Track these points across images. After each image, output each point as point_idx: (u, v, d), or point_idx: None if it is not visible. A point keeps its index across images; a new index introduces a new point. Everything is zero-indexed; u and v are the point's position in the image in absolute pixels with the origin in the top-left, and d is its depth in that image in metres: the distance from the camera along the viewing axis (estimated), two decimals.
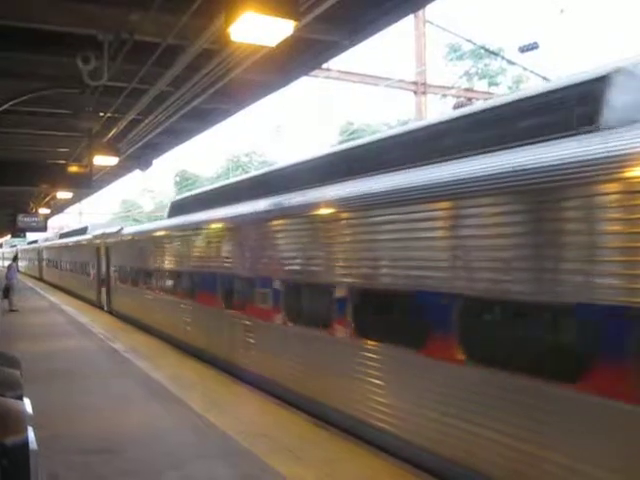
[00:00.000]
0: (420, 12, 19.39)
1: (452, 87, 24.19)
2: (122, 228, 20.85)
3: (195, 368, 11.51)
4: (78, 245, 29.35)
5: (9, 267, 25.20)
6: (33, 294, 31.94)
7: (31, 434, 3.90)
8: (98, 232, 24.25)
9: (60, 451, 6.72)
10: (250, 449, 6.77)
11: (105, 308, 22.70)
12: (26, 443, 3.60)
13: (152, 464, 6.39)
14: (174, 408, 8.63)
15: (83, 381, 10.52)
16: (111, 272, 21.41)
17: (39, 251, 48.10)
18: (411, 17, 19.53)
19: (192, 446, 6.95)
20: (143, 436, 7.36)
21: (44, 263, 45.52)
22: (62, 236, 38.83)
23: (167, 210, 17.03)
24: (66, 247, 33.54)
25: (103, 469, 6.28)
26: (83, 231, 30.47)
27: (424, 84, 20.29)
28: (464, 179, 5.67)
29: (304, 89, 57.84)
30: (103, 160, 13.16)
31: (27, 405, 4.55)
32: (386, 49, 60.88)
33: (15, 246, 69.42)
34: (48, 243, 43.98)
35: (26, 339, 15.18)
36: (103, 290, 23.01)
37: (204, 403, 8.77)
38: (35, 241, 52.88)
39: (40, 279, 46.03)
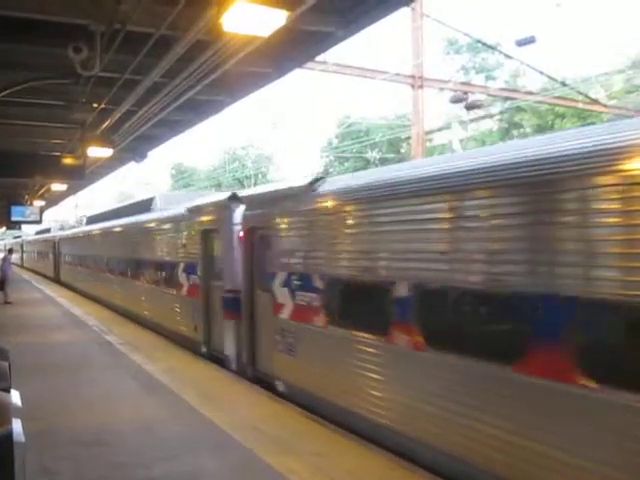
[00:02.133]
0: (417, 5, 19.34)
1: (449, 81, 24.12)
2: (322, 179, 8.48)
3: (189, 361, 11.49)
4: (140, 230, 17.14)
5: (4, 259, 25.11)
6: (29, 286, 31.84)
7: (17, 426, 3.86)
8: (212, 198, 12.70)
9: (50, 444, 6.69)
10: (241, 442, 6.76)
11: (233, 364, 10.71)
12: (10, 435, 3.56)
13: (142, 457, 6.36)
14: (167, 401, 8.60)
15: (76, 373, 10.48)
16: (272, 288, 9.09)
17: (54, 243, 35.30)
18: (408, 10, 19.46)
19: (183, 439, 6.93)
20: (134, 429, 7.33)
21: (62, 259, 33.28)
22: (92, 220, 26.96)
23: None
24: (105, 235, 21.78)
25: (93, 461, 6.26)
26: (145, 206, 17.74)
27: (421, 77, 20.24)
28: None
29: (301, 81, 57.72)
30: (97, 152, 13.13)
31: (15, 397, 4.51)
32: (384, 44, 60.80)
33: (19, 237, 59.74)
34: (69, 232, 32.34)
35: (20, 331, 15.12)
36: (230, 326, 10.73)
37: (197, 396, 8.74)
38: (47, 230, 41.34)
39: (56, 281, 34.18)
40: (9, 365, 5.38)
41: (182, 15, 7.08)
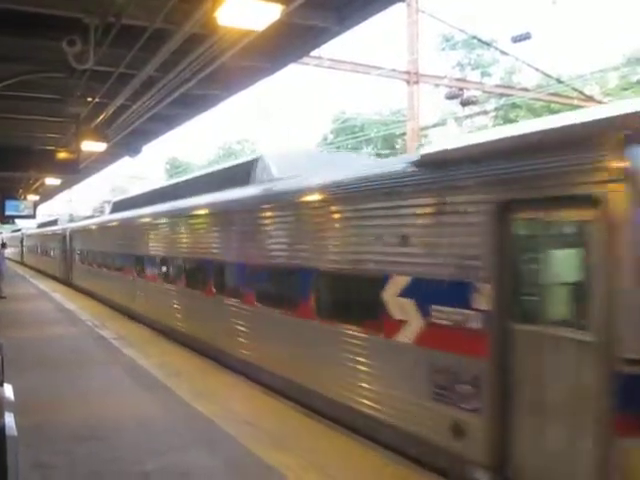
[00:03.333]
0: (412, 1, 19.33)
1: (444, 77, 24.14)
2: None
3: (183, 356, 11.48)
4: (258, 215, 9.63)
5: None
6: (23, 281, 31.73)
7: (10, 420, 3.85)
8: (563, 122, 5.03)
9: (45, 438, 6.68)
10: (235, 437, 6.76)
11: None
12: (2, 428, 3.55)
13: (137, 451, 6.36)
14: (161, 396, 8.59)
15: (70, 368, 10.45)
16: None
17: (64, 237, 28.97)
18: (404, 6, 19.45)
19: (177, 434, 6.92)
20: (129, 424, 7.32)
21: (76, 257, 26.74)
22: (121, 206, 20.65)
23: None
24: (163, 225, 14.68)
25: (88, 456, 6.25)
26: (238, 176, 11.09)
27: (416, 73, 20.24)
28: None
29: (296, 76, 57.70)
30: (91, 146, 13.07)
31: (8, 391, 4.50)
32: (379, 40, 60.76)
33: (19, 230, 54.22)
34: (86, 222, 26.26)
35: (14, 326, 15.05)
36: None
37: (191, 391, 8.74)
38: (53, 222, 36.35)
39: (68, 283, 27.74)
40: (2, 359, 5.38)
41: (177, 8, 7.05)
